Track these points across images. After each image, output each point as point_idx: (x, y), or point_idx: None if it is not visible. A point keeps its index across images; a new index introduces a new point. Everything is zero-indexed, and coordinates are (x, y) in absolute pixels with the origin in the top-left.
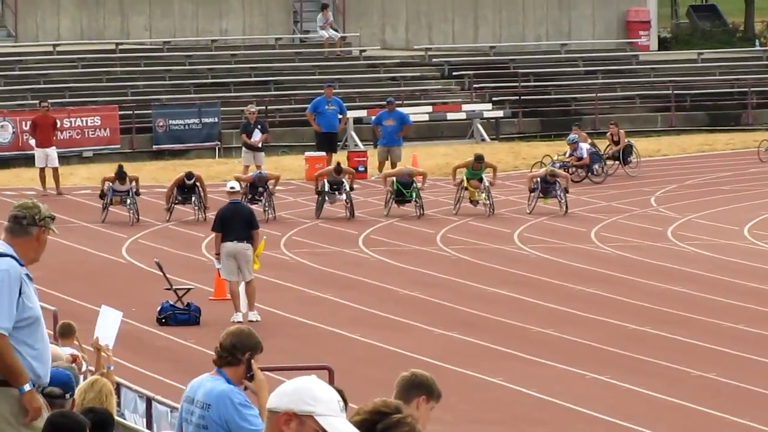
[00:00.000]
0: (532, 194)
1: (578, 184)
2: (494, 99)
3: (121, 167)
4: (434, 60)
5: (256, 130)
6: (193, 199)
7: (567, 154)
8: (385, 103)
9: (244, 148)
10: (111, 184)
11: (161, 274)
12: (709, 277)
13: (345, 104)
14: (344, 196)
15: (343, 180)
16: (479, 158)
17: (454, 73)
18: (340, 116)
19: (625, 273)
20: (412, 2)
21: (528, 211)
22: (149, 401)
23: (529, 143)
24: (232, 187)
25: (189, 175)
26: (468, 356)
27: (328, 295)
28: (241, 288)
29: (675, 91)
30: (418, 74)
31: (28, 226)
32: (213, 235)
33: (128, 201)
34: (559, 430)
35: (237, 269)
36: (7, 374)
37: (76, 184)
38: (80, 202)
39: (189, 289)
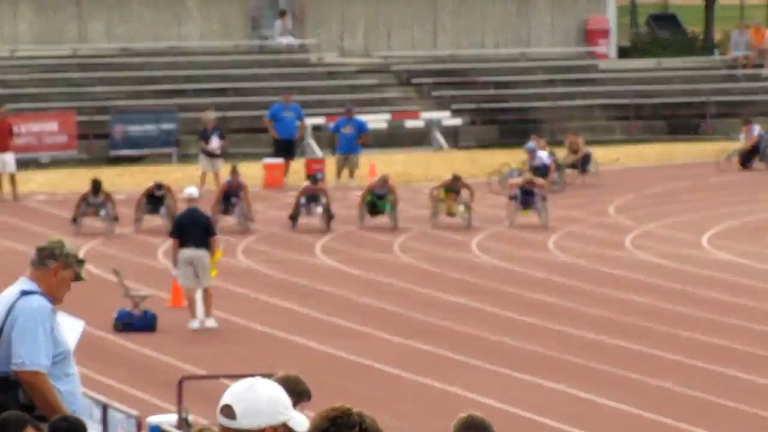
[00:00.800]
0: (512, 202)
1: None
2: (453, 107)
3: (96, 181)
4: (393, 67)
5: (214, 136)
6: (162, 210)
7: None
8: (343, 110)
9: (201, 155)
10: (85, 200)
11: (119, 281)
12: (667, 286)
13: (303, 111)
14: (320, 209)
15: (319, 193)
16: (456, 178)
17: (413, 81)
18: (298, 123)
19: (583, 282)
20: (370, 9)
21: (507, 224)
22: (105, 408)
23: (488, 151)
24: (190, 194)
25: (158, 186)
26: (425, 365)
27: (286, 304)
28: (198, 295)
29: (634, 100)
30: (377, 82)
31: (46, 259)
32: (170, 241)
33: (102, 212)
34: None
35: (194, 276)
36: (47, 410)
37: (33, 190)
38: (37, 208)
39: (146, 297)
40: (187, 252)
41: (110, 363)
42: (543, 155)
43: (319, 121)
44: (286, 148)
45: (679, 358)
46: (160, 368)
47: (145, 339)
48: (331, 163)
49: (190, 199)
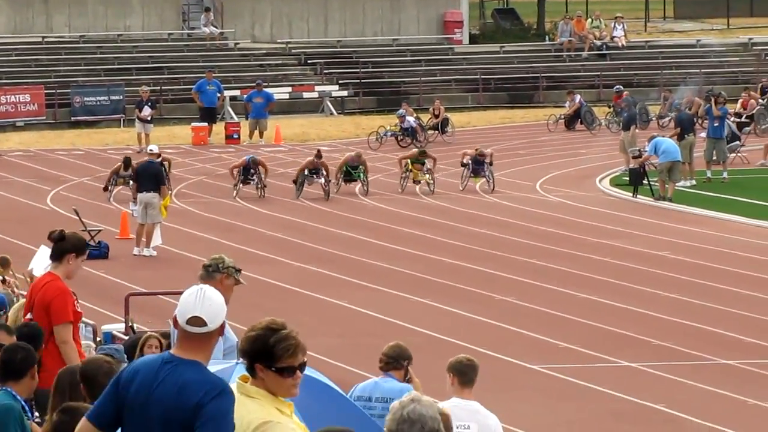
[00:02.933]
0: (464, 170)
1: (405, 148)
2: (340, 81)
3: (127, 158)
4: (293, 51)
5: (146, 106)
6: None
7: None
8: (254, 84)
9: (136, 120)
10: (116, 174)
11: (77, 218)
12: (509, 222)
13: (222, 85)
14: (322, 180)
15: (321, 167)
16: (422, 152)
17: (309, 61)
18: (218, 95)
19: (443, 219)
20: (276, 5)
21: (460, 188)
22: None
23: (368, 116)
24: (150, 149)
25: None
26: (319, 284)
27: (210, 236)
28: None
29: (482, 76)
30: (281, 62)
31: (213, 273)
32: (120, 188)
33: (131, 183)
34: (387, 339)
35: (145, 214)
36: None
37: (11, 147)
38: (14, 161)
39: (99, 230)
40: (142, 195)
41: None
42: (411, 120)
43: (235, 93)
44: (209, 115)
45: (519, 278)
46: (112, 287)
47: (100, 264)
48: (244, 126)
49: (150, 153)
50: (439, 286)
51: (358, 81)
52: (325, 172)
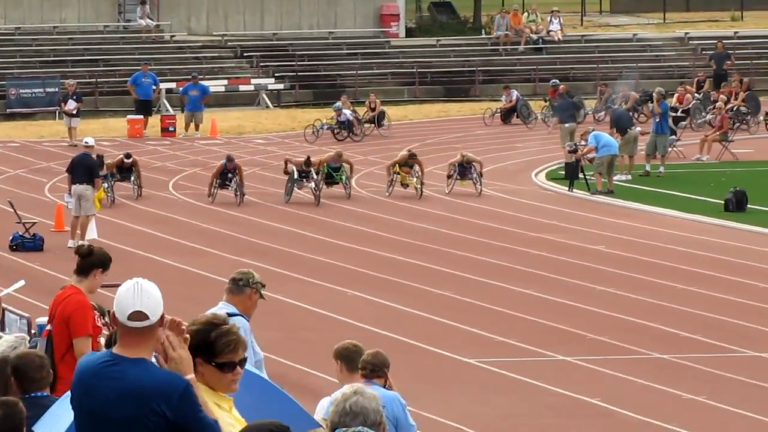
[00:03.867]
0: (449, 179)
1: (341, 142)
2: (276, 74)
3: (100, 157)
4: (229, 43)
5: (71, 99)
6: (132, 178)
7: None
8: (190, 77)
9: (64, 114)
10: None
11: (12, 210)
12: (445, 215)
13: (158, 78)
14: (312, 184)
15: (311, 170)
16: (412, 155)
17: (245, 54)
18: (154, 87)
19: (377, 212)
20: None
21: (446, 192)
22: (3, 311)
23: (304, 109)
24: (86, 141)
25: (127, 155)
26: (304, 293)
27: (146, 228)
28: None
29: (418, 70)
30: (217, 54)
31: (243, 287)
32: (56, 180)
33: (132, 177)
34: (325, 333)
35: (79, 206)
36: None
37: None
38: None
39: (34, 223)
40: (75, 187)
41: (6, 276)
42: (347, 113)
43: (171, 85)
44: (145, 107)
45: (455, 272)
46: (46, 279)
47: (34, 257)
48: (180, 118)
49: (86, 146)
50: (375, 280)
51: (295, 74)
52: (316, 176)
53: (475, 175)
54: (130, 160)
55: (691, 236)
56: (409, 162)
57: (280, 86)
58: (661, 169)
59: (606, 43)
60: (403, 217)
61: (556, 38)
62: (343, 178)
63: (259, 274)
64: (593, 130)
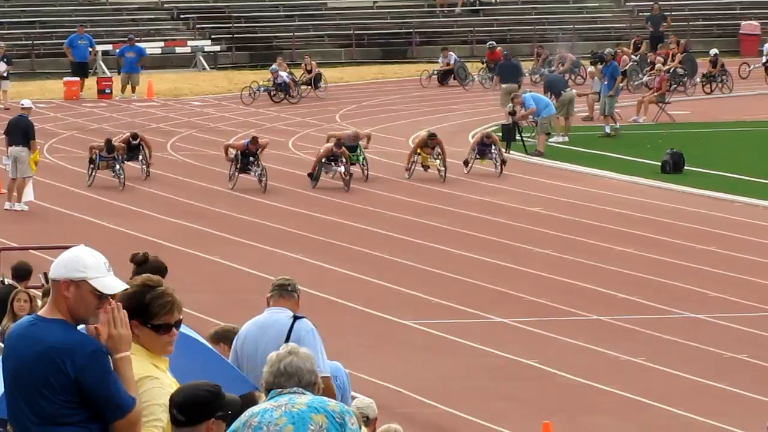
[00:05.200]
0: (470, 152)
1: (278, 104)
2: (213, 36)
3: (110, 141)
4: (166, 5)
5: (1, 62)
6: (140, 157)
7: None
8: (126, 39)
9: None
10: (99, 152)
11: None
12: (383, 178)
13: (94, 40)
14: (342, 168)
15: (341, 153)
16: (432, 136)
17: (182, 16)
18: (90, 49)
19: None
20: None
21: (465, 171)
22: None
23: (240, 71)
24: (23, 104)
25: (134, 136)
26: (192, 239)
27: (89, 193)
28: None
29: (355, 32)
30: (153, 16)
31: (292, 292)
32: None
33: (116, 166)
34: (260, 295)
35: (15, 168)
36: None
37: None
38: None
39: None
40: (11, 149)
41: None
42: (284, 75)
43: (108, 47)
44: (81, 69)
45: (393, 234)
46: None
47: None
48: (117, 81)
49: (22, 108)
50: (312, 242)
51: (231, 36)
52: (345, 160)
53: (495, 155)
54: (137, 141)
55: (628, 198)
56: (429, 143)
57: (217, 48)
58: (607, 128)
59: (543, 4)
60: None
61: (492, 0)
62: (360, 158)
63: (194, 235)
64: (529, 91)
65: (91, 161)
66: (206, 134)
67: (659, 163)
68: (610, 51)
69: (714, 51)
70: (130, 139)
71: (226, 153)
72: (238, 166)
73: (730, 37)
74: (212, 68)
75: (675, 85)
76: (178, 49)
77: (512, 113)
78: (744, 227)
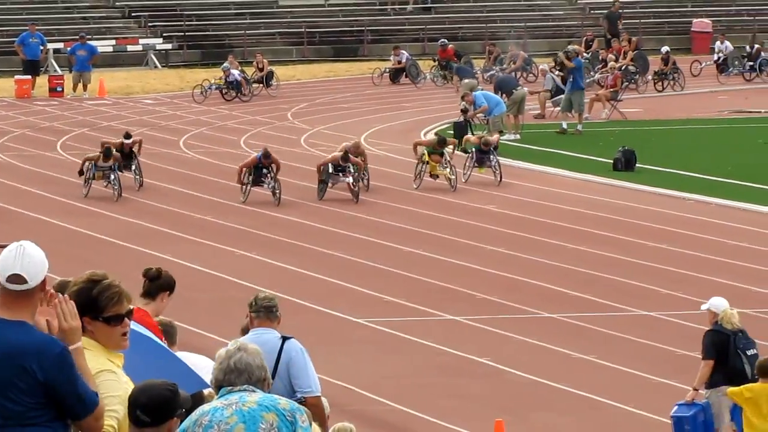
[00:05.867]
0: (467, 159)
1: (229, 102)
2: (164, 34)
3: (108, 148)
4: (117, 3)
5: None
6: (133, 167)
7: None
8: (78, 37)
9: None
10: (94, 162)
11: None
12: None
13: (46, 38)
14: (349, 179)
15: (348, 164)
16: (442, 141)
17: (133, 14)
18: (42, 47)
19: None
20: None
21: (464, 180)
22: None
23: (192, 70)
24: None
25: (127, 135)
26: (144, 237)
27: (33, 189)
28: None
29: (307, 30)
30: (105, 15)
31: (276, 312)
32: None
33: (111, 177)
34: (213, 293)
35: None
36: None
37: None
38: None
39: None
40: None
41: None
42: (235, 73)
43: (59, 45)
44: (33, 67)
45: (344, 232)
46: None
47: None
48: (68, 79)
49: None
50: (264, 240)
51: (183, 34)
52: (352, 170)
53: (494, 162)
54: (130, 140)
55: (580, 195)
56: (438, 149)
57: (168, 46)
58: (579, 126)
59: (494, 2)
60: (287, 174)
61: None
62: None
63: (150, 234)
64: (480, 89)
65: (81, 173)
66: (158, 132)
67: (611, 161)
68: (574, 48)
69: (665, 48)
70: (123, 140)
71: (240, 175)
72: (250, 179)
73: (681, 35)
74: (164, 66)
75: (627, 83)
76: (130, 48)
77: (464, 111)
78: (695, 224)
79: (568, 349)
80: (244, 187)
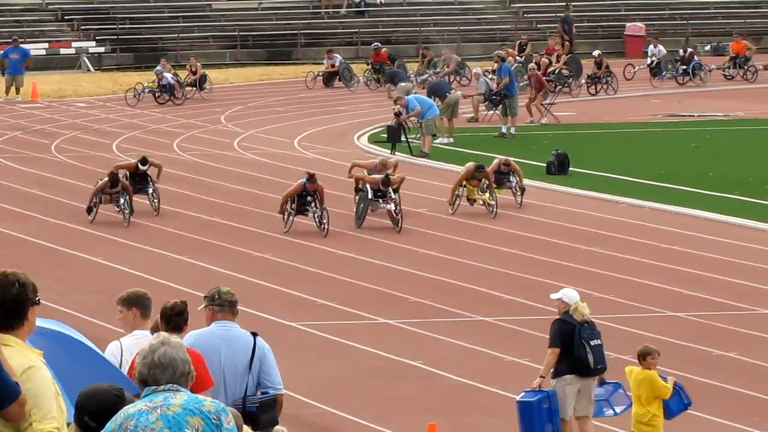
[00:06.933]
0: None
1: (162, 105)
2: (98, 38)
3: (114, 174)
4: (50, 6)
5: None
6: (150, 191)
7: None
8: (10, 40)
9: None
10: (101, 192)
11: None
12: (265, 179)
13: None
14: (392, 206)
15: (389, 189)
16: (480, 168)
17: (66, 17)
18: None
19: (201, 176)
20: None
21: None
22: None
23: (125, 73)
24: None
25: (143, 161)
26: (75, 240)
27: None
28: None
29: (240, 33)
30: (37, 17)
31: (237, 306)
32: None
33: (120, 200)
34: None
35: None
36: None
37: None
38: None
39: None
40: None
41: None
42: (168, 76)
43: None
44: None
45: (275, 235)
46: None
47: None
48: (1, 82)
49: None
50: (195, 243)
51: (116, 37)
52: (394, 196)
53: (515, 184)
54: (146, 167)
55: (511, 198)
56: (476, 176)
57: (102, 49)
58: (512, 130)
59: (428, 6)
60: (216, 176)
61: (377, 1)
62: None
63: (80, 237)
64: (415, 93)
65: (90, 210)
66: (91, 136)
67: (544, 164)
68: (499, 53)
69: (597, 52)
70: (138, 165)
71: (283, 205)
72: (293, 207)
73: (615, 39)
74: (97, 69)
75: (560, 87)
76: (63, 51)
77: (397, 114)
78: (627, 228)
79: (500, 353)
80: (286, 215)
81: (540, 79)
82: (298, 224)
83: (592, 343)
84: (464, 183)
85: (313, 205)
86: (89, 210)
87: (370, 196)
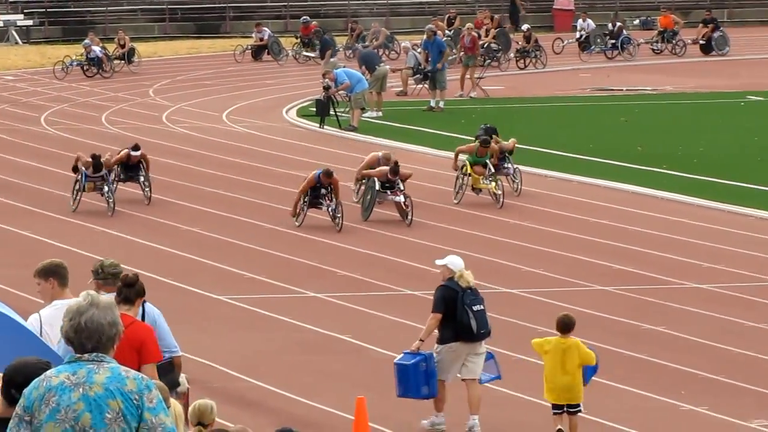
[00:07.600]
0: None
1: (91, 78)
2: (25, 11)
3: (97, 157)
4: None
5: None
6: (141, 179)
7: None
8: None
9: None
10: (85, 169)
11: None
12: (196, 152)
13: None
14: (401, 198)
15: (398, 179)
16: (486, 142)
17: None
18: None
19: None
20: None
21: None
22: None
23: (53, 46)
24: None
25: (135, 147)
26: (2, 214)
27: None
28: None
29: (169, 6)
30: None
31: (115, 277)
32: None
33: (105, 188)
34: (74, 270)
35: None
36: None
37: None
38: None
39: None
40: None
41: None
42: (97, 49)
43: None
44: None
45: (203, 208)
46: None
47: None
48: None
49: None
50: (123, 216)
51: (44, 10)
52: (402, 188)
53: (512, 170)
54: (138, 153)
55: (442, 173)
56: (481, 157)
57: (30, 22)
58: (441, 104)
59: None
60: (154, 152)
61: None
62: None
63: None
64: (343, 66)
65: (75, 169)
66: (19, 109)
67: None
68: (431, 27)
69: (526, 26)
70: (130, 152)
71: (297, 204)
72: (306, 200)
73: (543, 13)
74: (25, 42)
75: (489, 61)
76: None
77: (326, 88)
78: (555, 201)
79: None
80: (299, 210)
81: (475, 40)
82: (232, 199)
83: (475, 308)
84: (469, 171)
85: (326, 198)
86: (75, 169)
87: (377, 187)
